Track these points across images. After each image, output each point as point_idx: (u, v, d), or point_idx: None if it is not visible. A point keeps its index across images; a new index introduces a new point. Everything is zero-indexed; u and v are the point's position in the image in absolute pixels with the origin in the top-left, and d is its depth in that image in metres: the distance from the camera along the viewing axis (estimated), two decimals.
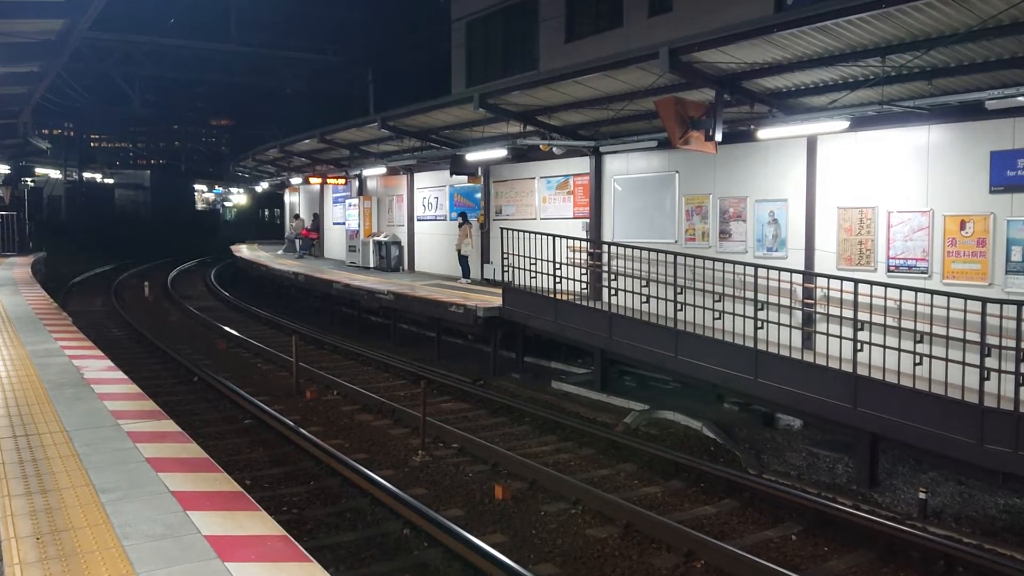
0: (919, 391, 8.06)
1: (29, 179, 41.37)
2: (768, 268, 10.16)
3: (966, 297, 7.88)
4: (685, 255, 11.26)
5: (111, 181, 58.84)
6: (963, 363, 7.77)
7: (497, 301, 14.32)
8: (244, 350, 17.16)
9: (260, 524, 4.40)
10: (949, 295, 8.11)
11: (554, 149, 14.99)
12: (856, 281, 8.88)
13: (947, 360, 7.92)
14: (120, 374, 8.59)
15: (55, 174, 48.21)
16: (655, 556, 7.03)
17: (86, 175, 55.56)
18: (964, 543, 7.08)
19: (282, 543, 4.14)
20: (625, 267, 12.44)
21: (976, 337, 7.68)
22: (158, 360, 15.69)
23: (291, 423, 10.48)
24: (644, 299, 11.64)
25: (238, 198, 54.00)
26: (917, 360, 8.21)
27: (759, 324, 9.84)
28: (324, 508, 8.00)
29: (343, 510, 7.95)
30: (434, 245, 21.60)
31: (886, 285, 8.89)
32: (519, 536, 7.42)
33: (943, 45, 8.15)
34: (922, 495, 7.96)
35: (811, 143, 11.32)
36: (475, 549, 6.60)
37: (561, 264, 13.17)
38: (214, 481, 5.12)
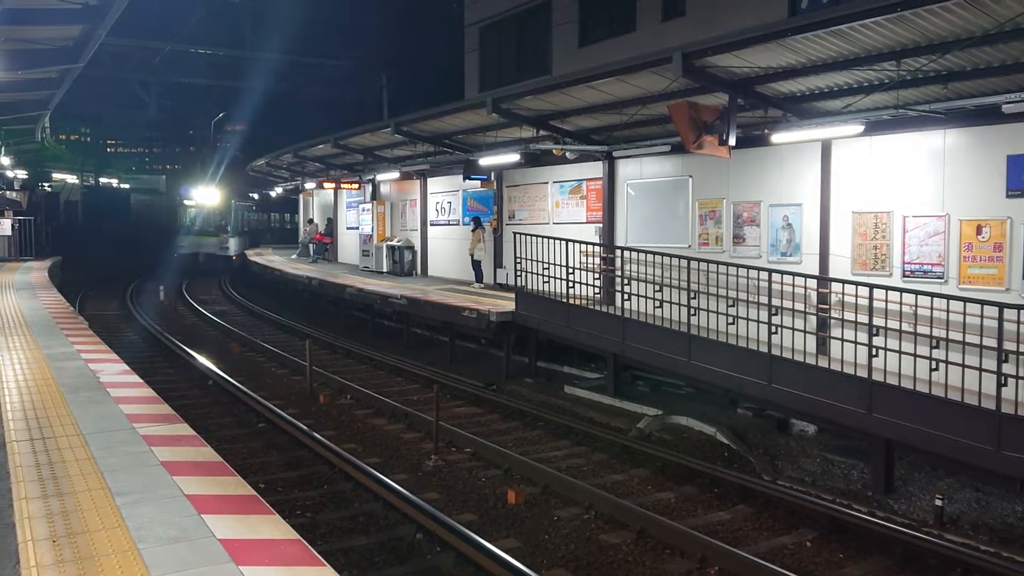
0: (935, 397, 8.00)
1: (46, 184, 41.75)
2: (782, 273, 10.11)
3: (983, 302, 7.82)
4: (699, 260, 11.22)
5: (127, 186, 59.31)
6: (980, 369, 7.70)
7: (510, 305, 14.32)
8: (258, 354, 17.24)
9: (274, 528, 4.41)
10: (966, 300, 8.04)
11: (567, 154, 15.01)
12: (871, 286, 8.82)
13: (963, 366, 7.85)
14: (135, 378, 8.65)
15: (72, 179, 48.65)
16: (668, 562, 7.01)
17: (102, 180, 55.99)
18: (981, 551, 7.01)
19: (296, 547, 4.15)
20: (638, 272, 12.42)
21: (993, 342, 7.62)
22: (172, 364, 15.78)
23: (305, 427, 10.52)
24: (657, 304, 11.61)
25: (203, 196, 37.09)
26: (933, 366, 8.14)
27: (773, 329, 9.79)
28: (337, 512, 8.02)
29: (356, 514, 7.96)
30: (447, 250, 21.64)
31: (901, 290, 8.84)
32: (532, 541, 7.41)
33: (959, 48, 8.10)
34: (938, 502, 7.89)
35: (825, 147, 11.27)
36: (488, 554, 6.60)
37: (574, 269, 13.15)
38: (228, 485, 5.14)
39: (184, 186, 39.43)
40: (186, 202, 38.46)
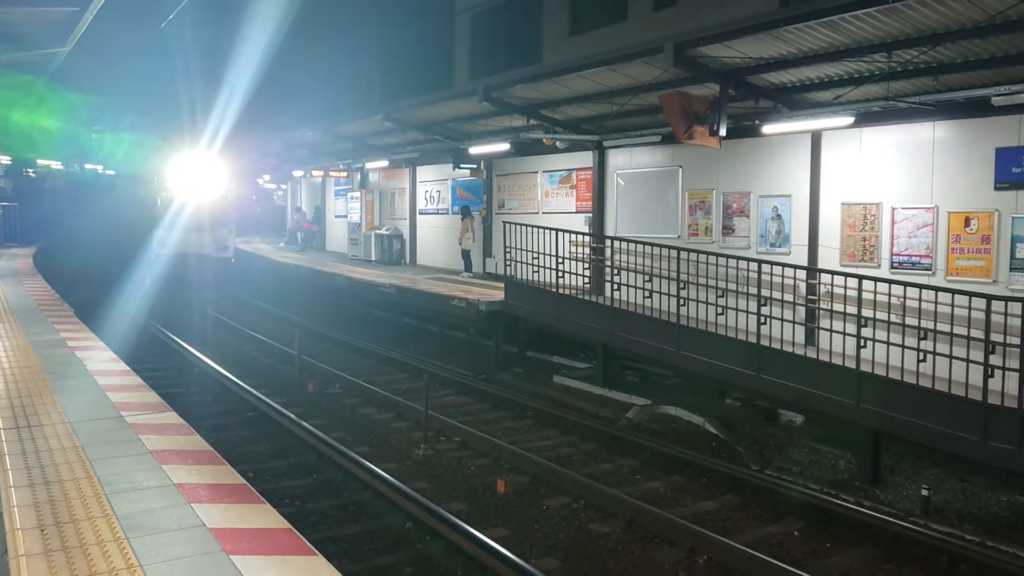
0: (923, 388, 8.05)
1: (30, 170, 41.32)
2: (772, 264, 10.14)
3: (971, 294, 7.86)
4: (688, 250, 11.24)
5: (112, 173, 58.65)
6: (967, 360, 7.75)
7: (499, 295, 14.30)
8: (245, 342, 17.15)
9: (265, 517, 4.39)
10: (954, 292, 8.09)
11: (557, 143, 14.98)
12: (860, 277, 8.86)
13: (951, 357, 7.90)
14: (123, 365, 8.59)
15: (56, 165, 48.09)
16: (657, 551, 7.03)
17: (89, 166, 55.39)
18: (967, 540, 7.07)
19: (287, 536, 4.13)
20: (628, 262, 12.42)
21: (980, 334, 7.67)
22: (160, 352, 15.67)
23: (293, 416, 10.47)
24: (647, 294, 11.62)
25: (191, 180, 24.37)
26: (921, 357, 8.18)
27: (762, 320, 9.82)
28: (327, 501, 7.99)
29: (345, 503, 7.95)
30: (436, 239, 21.59)
31: (891, 282, 8.88)
32: (521, 530, 7.42)
33: (950, 41, 8.12)
34: (925, 492, 7.95)
35: (815, 138, 11.29)
36: (477, 543, 6.60)
37: (563, 259, 13.14)
38: (218, 474, 5.12)
39: (162, 167, 27.76)
40: (168, 186, 26.72)
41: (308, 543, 4.07)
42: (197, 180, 25.20)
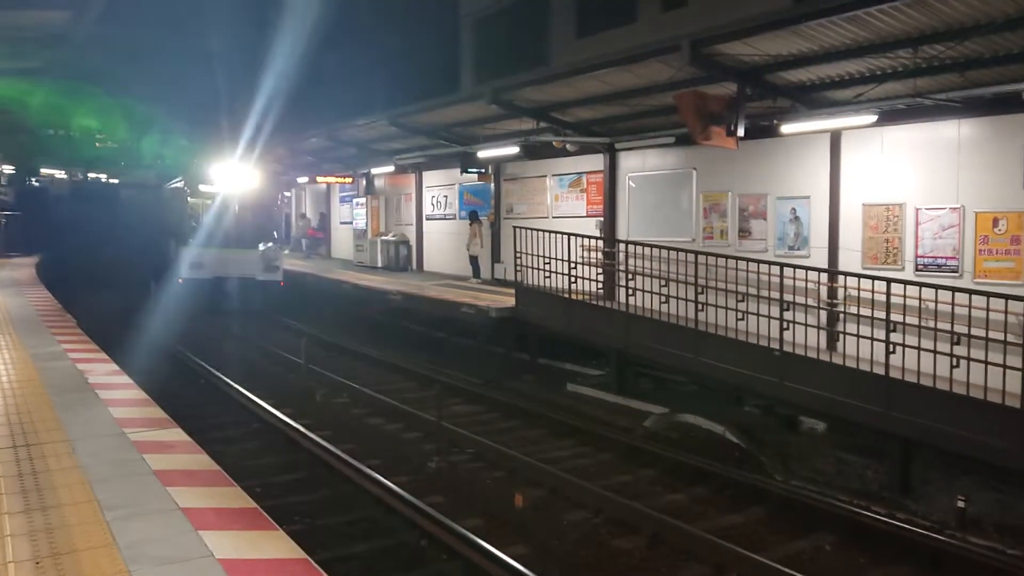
0: (957, 395, 7.74)
1: (34, 179, 41.19)
2: (794, 267, 9.84)
3: (1007, 297, 7.55)
4: (705, 254, 10.94)
5: (116, 181, 58.52)
6: (1004, 366, 7.44)
7: (508, 301, 14.02)
8: (251, 350, 16.88)
9: (278, 546, 4.10)
10: (989, 295, 7.78)
11: (567, 146, 14.70)
12: (889, 280, 8.56)
13: (987, 363, 7.59)
14: (126, 378, 8.32)
15: (60, 174, 47.99)
16: (684, 568, 6.74)
17: (91, 175, 55.27)
18: (1009, 554, 6.76)
19: (303, 568, 3.84)
20: (641, 266, 12.13)
21: (1015, 338, 7.37)
22: (162, 361, 15.37)
23: (301, 427, 10.19)
24: (663, 299, 11.31)
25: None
26: (955, 363, 7.86)
27: (784, 325, 9.52)
28: (337, 517, 7.70)
29: (357, 519, 7.65)
30: (443, 244, 21.31)
31: (920, 284, 8.57)
32: (541, 547, 7.11)
33: (979, 35, 7.85)
34: (961, 504, 7.63)
35: (835, 138, 11.00)
36: (497, 562, 6.31)
37: (575, 263, 12.85)
38: (227, 496, 4.83)
39: (192, 172, 22.01)
40: (202, 188, 21.08)
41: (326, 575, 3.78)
42: (236, 186, 20.60)
